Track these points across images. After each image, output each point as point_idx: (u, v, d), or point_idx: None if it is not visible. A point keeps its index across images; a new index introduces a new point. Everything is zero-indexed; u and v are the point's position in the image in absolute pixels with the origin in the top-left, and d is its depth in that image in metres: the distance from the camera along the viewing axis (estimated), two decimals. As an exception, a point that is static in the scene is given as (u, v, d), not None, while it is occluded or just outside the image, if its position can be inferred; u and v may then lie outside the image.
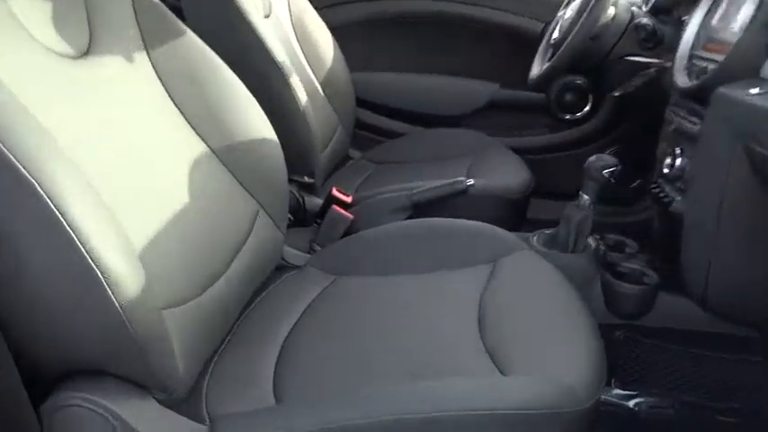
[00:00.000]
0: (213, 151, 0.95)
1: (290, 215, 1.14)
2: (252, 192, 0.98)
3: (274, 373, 0.79)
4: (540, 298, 0.90)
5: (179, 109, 0.94)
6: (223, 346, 0.86)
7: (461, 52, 1.77)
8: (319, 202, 1.26)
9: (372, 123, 1.82)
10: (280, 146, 1.02)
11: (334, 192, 1.21)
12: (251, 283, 0.95)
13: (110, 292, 0.60)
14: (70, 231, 0.58)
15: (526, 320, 0.84)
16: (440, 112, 1.79)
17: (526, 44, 1.65)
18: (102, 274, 0.59)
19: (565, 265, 0.98)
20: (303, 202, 1.29)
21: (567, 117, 1.64)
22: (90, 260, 0.59)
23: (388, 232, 1.07)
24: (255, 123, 1.00)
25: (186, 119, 0.94)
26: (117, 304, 0.60)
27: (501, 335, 0.80)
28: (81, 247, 0.58)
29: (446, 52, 1.78)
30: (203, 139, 0.95)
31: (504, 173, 1.37)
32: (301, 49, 1.55)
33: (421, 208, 1.21)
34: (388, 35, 1.80)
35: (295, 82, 1.28)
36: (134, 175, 0.78)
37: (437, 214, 1.11)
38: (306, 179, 1.32)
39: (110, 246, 0.61)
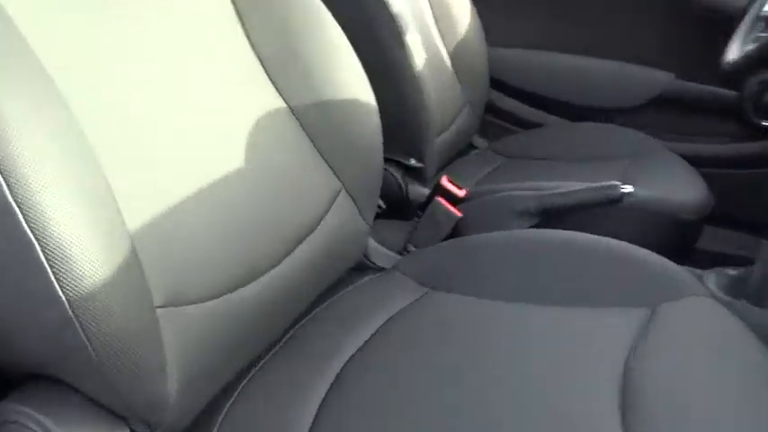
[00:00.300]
0: (292, 110, 0.74)
1: (382, 203, 0.91)
2: (334, 166, 0.76)
3: (315, 418, 0.56)
4: (721, 372, 0.59)
5: (256, 53, 0.73)
6: (257, 367, 0.64)
7: (629, 30, 1.43)
8: (425, 192, 1.02)
9: (506, 109, 1.54)
10: (377, 114, 0.80)
11: (444, 181, 0.96)
12: (313, 284, 0.73)
13: (50, 275, 0.39)
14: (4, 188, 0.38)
15: (698, 408, 0.54)
16: (591, 102, 1.47)
17: (719, 23, 1.28)
18: (41, 248, 0.39)
19: (761, 326, 0.66)
20: (406, 189, 1.05)
21: (765, 124, 1.26)
22: (25, 225, 0.38)
23: (507, 241, 0.81)
24: (351, 83, 0.78)
25: (263, 66, 0.74)
26: (60, 292, 0.40)
27: (655, 428, 0.51)
28: (17, 209, 0.38)
29: (608, 30, 1.45)
30: (281, 94, 0.74)
31: (674, 185, 1.04)
32: (431, 10, 1.31)
33: (553, 216, 0.92)
34: (538, 6, 1.51)
35: (413, 42, 1.05)
36: (172, 127, 0.59)
37: (574, 227, 0.82)
38: (413, 162, 1.08)
39: (65, 213, 0.40)
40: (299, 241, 0.69)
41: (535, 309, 0.70)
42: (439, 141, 1.21)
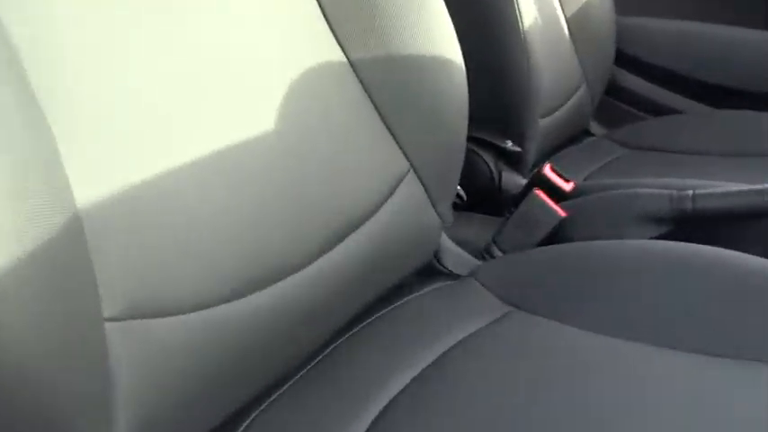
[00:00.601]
0: (352, 65, 0.58)
1: (463, 193, 0.73)
2: (401, 140, 0.60)
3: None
4: None
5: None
6: (270, 400, 0.49)
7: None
8: (522, 182, 0.83)
9: (632, 90, 1.30)
10: (464, 81, 0.63)
11: (547, 170, 0.76)
12: (359, 292, 0.57)
13: None
14: None
15: None
16: (743, 85, 1.21)
17: None
18: None
19: None
20: (498, 177, 0.86)
21: None
22: None
23: (629, 253, 0.62)
24: (434, 38, 0.61)
25: (320, 5, 0.58)
26: None
27: None
28: None
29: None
30: (340, 44, 0.58)
31: None
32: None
33: (692, 224, 0.70)
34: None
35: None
36: (192, 87, 0.44)
37: (716, 240, 0.61)
38: (509, 145, 0.89)
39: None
40: (342, 235, 0.53)
41: (649, 351, 0.51)
42: (545, 123, 1.01)
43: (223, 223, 0.43)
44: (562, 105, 1.10)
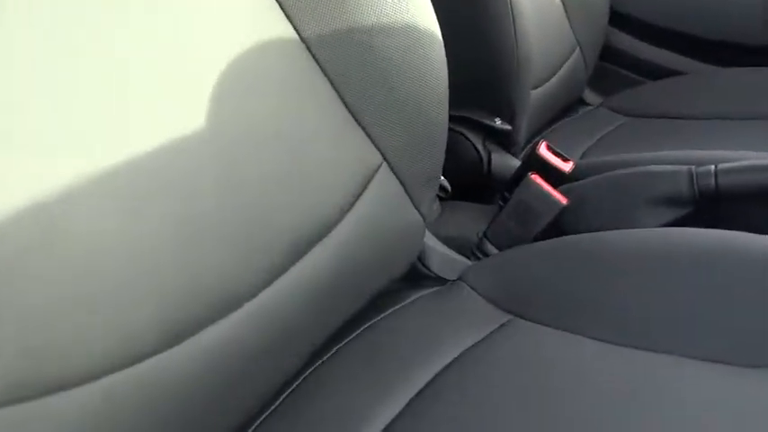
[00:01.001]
0: (305, 42, 0.49)
1: (447, 184, 0.64)
2: (369, 128, 0.50)
3: None
4: None
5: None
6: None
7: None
8: (515, 164, 0.74)
9: (629, 52, 1.20)
10: (443, 52, 0.53)
11: (543, 150, 0.67)
12: (329, 311, 0.48)
13: None
14: None
15: None
16: (749, 40, 1.11)
17: None
18: None
19: None
20: (488, 160, 0.77)
21: None
22: None
23: (641, 245, 0.52)
24: (408, 10, 0.51)
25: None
26: None
27: None
28: None
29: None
30: (293, 23, 0.48)
31: None
32: None
33: (714, 203, 0.60)
34: None
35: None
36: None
37: (749, 225, 0.52)
38: (498, 123, 0.79)
39: None
40: (302, 251, 0.44)
41: (687, 365, 0.43)
42: (536, 95, 0.92)
43: (136, 255, 0.33)
44: (554, 74, 1.00)
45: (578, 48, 1.08)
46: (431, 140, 0.55)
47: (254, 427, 0.44)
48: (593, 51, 1.14)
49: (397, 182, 0.52)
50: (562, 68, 1.03)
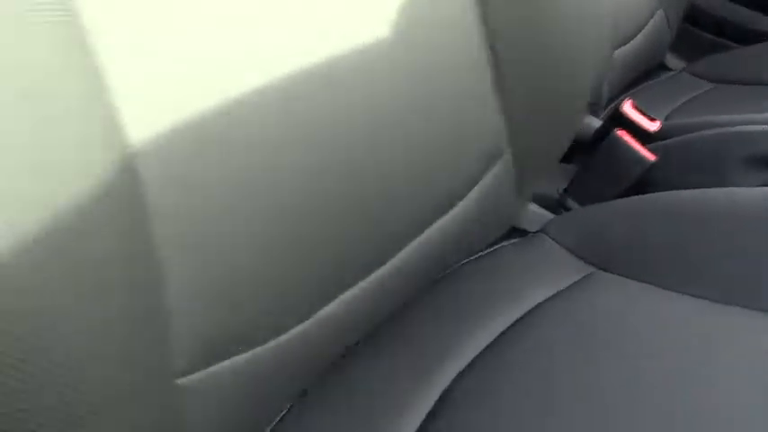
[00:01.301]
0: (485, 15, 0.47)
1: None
2: (511, 117, 0.49)
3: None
4: None
5: None
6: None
7: None
8: (596, 123, 0.72)
9: (716, 15, 1.13)
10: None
11: (628, 108, 0.65)
12: (426, 278, 0.49)
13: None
14: None
15: None
16: None
17: None
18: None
19: None
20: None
21: None
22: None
23: (734, 204, 0.51)
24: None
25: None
26: None
27: None
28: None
29: None
30: None
31: None
32: None
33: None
34: None
35: None
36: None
37: None
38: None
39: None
40: (425, 224, 0.44)
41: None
42: (618, 56, 0.89)
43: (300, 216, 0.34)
44: (635, 35, 0.96)
45: (661, 10, 1.03)
46: (560, 140, 0.53)
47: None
48: (676, 14, 1.09)
49: (513, 172, 0.52)
50: (645, 28, 0.99)
